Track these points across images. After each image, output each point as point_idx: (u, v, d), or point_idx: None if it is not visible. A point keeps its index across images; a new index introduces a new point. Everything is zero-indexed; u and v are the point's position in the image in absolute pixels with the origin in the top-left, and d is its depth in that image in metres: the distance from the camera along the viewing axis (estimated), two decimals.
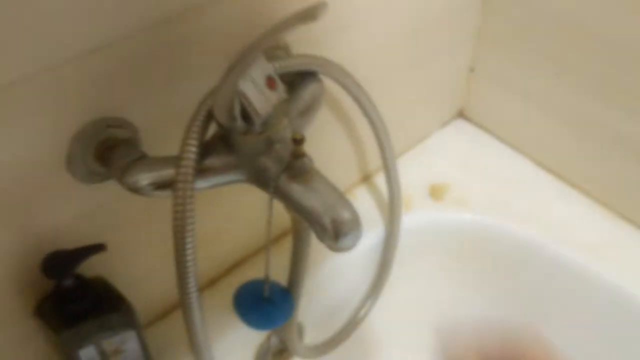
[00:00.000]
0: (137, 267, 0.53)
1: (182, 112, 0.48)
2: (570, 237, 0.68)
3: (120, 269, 0.51)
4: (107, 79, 0.42)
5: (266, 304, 0.48)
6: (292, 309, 0.49)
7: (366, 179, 0.74)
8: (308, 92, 0.47)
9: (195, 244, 0.42)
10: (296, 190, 0.40)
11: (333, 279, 0.68)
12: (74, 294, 0.45)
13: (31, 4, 0.35)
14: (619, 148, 0.66)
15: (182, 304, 0.43)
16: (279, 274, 0.51)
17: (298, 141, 0.38)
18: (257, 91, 0.38)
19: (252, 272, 0.64)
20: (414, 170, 0.74)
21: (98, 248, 0.44)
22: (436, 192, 0.72)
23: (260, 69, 0.39)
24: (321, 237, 0.40)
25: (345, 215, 0.39)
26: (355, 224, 0.39)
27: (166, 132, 0.47)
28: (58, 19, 0.37)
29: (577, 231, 0.69)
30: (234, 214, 0.60)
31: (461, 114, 0.82)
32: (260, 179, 0.42)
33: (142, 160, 0.42)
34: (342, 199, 0.39)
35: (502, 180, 0.74)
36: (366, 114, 0.55)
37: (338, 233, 0.39)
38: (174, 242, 0.42)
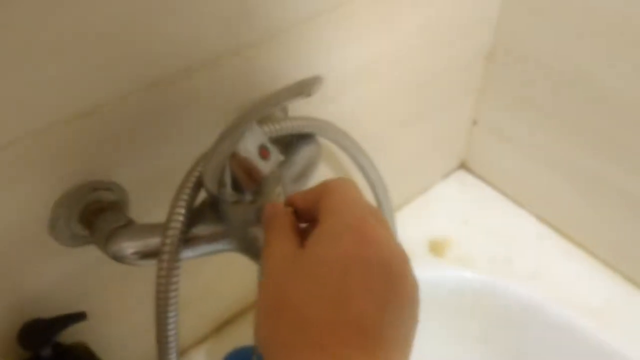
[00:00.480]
0: (118, 331, 0.51)
1: (172, 174, 0.46)
2: (572, 298, 0.66)
3: (101, 334, 0.48)
4: (94, 142, 0.41)
5: None
6: None
7: None
8: (304, 156, 0.45)
9: (177, 315, 0.40)
10: None
11: None
12: None
13: (16, 70, 0.34)
14: (623, 206, 0.64)
15: None
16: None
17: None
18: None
19: (241, 331, 0.61)
20: (414, 225, 0.72)
21: (78, 317, 0.42)
22: (436, 248, 0.70)
23: (254, 138, 0.37)
24: None
25: None
26: None
27: (156, 194, 0.45)
28: (44, 84, 0.36)
29: (580, 291, 0.67)
30: (224, 271, 0.58)
31: (463, 166, 0.80)
32: (250, 248, 0.40)
33: (127, 227, 0.40)
34: None
35: (504, 236, 0.72)
36: (365, 175, 0.54)
37: None
38: (155, 313, 0.40)
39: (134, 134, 0.42)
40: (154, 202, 0.46)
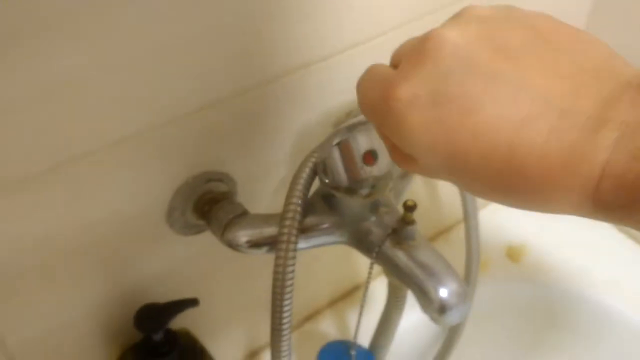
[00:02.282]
0: (218, 317, 0.52)
1: (276, 167, 0.48)
2: None
3: (203, 320, 0.50)
4: (209, 136, 0.42)
5: None
6: None
7: (438, 235, 0.72)
8: None
9: (292, 304, 0.41)
10: (402, 257, 0.38)
11: (402, 338, 0.65)
12: (162, 348, 0.44)
13: (142, 68, 0.36)
14: None
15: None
16: (347, 332, 0.49)
17: (410, 208, 0.37)
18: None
19: (322, 327, 0.62)
20: (491, 229, 0.72)
21: (191, 303, 0.43)
22: (513, 254, 0.69)
23: (366, 137, 0.38)
24: (425, 308, 0.38)
25: (454, 286, 0.37)
26: (462, 298, 0.38)
27: (262, 185, 0.47)
28: (174, 77, 0.38)
29: None
30: (311, 266, 0.59)
31: None
32: (362, 242, 0.41)
33: (243, 217, 0.42)
34: (449, 270, 0.38)
35: (581, 244, 0.72)
36: None
37: (444, 306, 0.37)
38: (272, 301, 0.41)
39: (246, 128, 0.44)
40: (259, 194, 0.47)
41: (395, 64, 0.27)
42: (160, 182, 0.41)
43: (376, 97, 0.26)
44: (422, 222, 0.69)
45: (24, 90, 0.32)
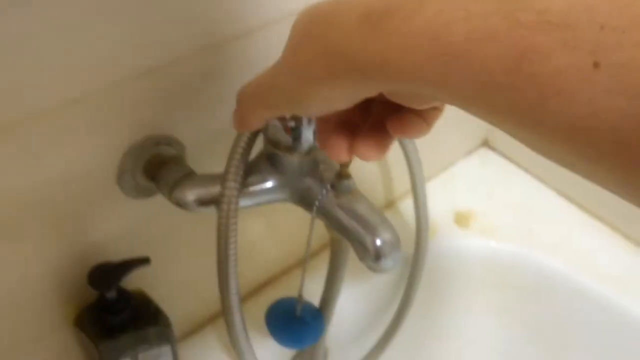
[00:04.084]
0: (174, 280, 0.54)
1: (223, 133, 0.49)
2: (593, 269, 0.69)
3: (158, 282, 0.52)
4: (158, 100, 0.44)
5: (297, 323, 0.49)
6: (322, 330, 0.50)
7: (390, 204, 0.75)
8: None
9: (237, 258, 0.44)
10: (339, 211, 0.41)
11: (358, 302, 0.68)
12: (115, 306, 0.46)
13: (93, 25, 0.37)
14: None
15: (225, 313, 0.45)
16: (309, 293, 0.52)
17: (345, 163, 0.39)
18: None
19: (283, 291, 0.64)
20: (439, 197, 0.75)
21: (143, 261, 0.45)
22: (461, 220, 0.73)
23: None
24: (362, 257, 0.41)
25: (387, 236, 0.40)
26: (396, 246, 0.40)
27: (211, 149, 0.49)
28: (119, 40, 0.39)
29: (600, 262, 0.70)
30: (269, 230, 0.61)
31: (485, 143, 0.83)
32: (303, 198, 0.43)
33: (189, 177, 0.44)
34: (384, 220, 0.41)
35: (526, 209, 0.75)
36: (402, 145, 0.57)
37: (379, 254, 0.40)
38: (217, 256, 0.43)
39: (194, 92, 0.46)
40: (208, 158, 0.49)
41: None
42: (109, 143, 0.43)
43: None
44: (372, 193, 0.72)
45: None
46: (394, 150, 0.59)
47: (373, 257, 0.40)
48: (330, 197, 0.41)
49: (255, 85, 0.32)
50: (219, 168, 0.50)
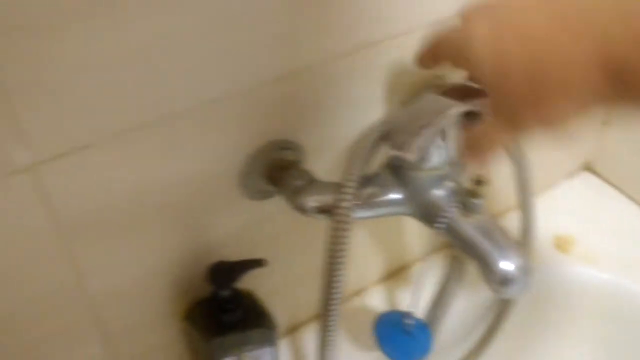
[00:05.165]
0: (276, 281, 0.55)
1: (344, 139, 0.50)
2: None
3: (260, 282, 0.52)
4: (285, 106, 0.44)
5: (407, 337, 0.48)
6: (430, 345, 0.49)
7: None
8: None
9: (344, 271, 0.43)
10: (468, 229, 0.40)
11: (450, 316, 0.67)
12: (228, 305, 0.47)
13: (230, 34, 0.38)
14: None
15: (321, 326, 0.45)
16: (400, 306, 0.51)
17: (480, 182, 0.38)
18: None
19: (371, 302, 0.64)
20: (539, 219, 0.72)
21: (259, 263, 0.46)
22: (562, 244, 0.70)
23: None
24: (487, 280, 0.39)
25: (518, 262, 0.39)
26: (525, 274, 0.39)
27: (330, 157, 0.49)
28: (252, 47, 0.40)
29: None
30: (366, 239, 0.61)
31: (587, 167, 0.80)
32: (427, 214, 0.42)
33: (312, 183, 0.44)
34: (515, 245, 0.39)
35: (630, 237, 0.71)
36: (514, 157, 0.55)
37: (506, 280, 0.39)
38: (325, 267, 0.43)
39: (319, 100, 0.46)
40: (327, 165, 0.49)
41: None
42: (237, 145, 0.44)
43: None
44: None
45: (119, 49, 0.34)
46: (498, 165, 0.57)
47: (498, 282, 0.39)
48: (459, 215, 0.40)
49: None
50: (336, 176, 0.50)
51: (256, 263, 0.46)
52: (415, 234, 0.64)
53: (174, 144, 0.40)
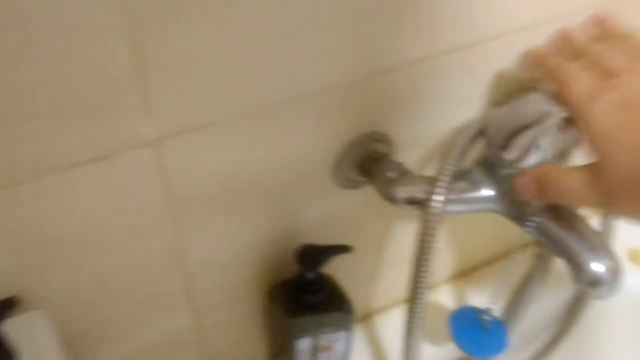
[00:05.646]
0: (357, 268, 0.56)
1: (435, 135, 0.51)
2: None
3: (343, 267, 0.54)
4: (381, 99, 0.46)
5: (482, 333, 0.49)
6: (505, 343, 0.50)
7: None
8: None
9: (432, 264, 0.45)
10: (559, 229, 0.41)
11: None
12: (311, 287, 0.49)
13: (338, 28, 0.40)
14: None
15: (408, 315, 0.46)
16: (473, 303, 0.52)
17: None
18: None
19: (447, 296, 0.65)
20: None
21: (346, 249, 0.48)
22: (635, 257, 0.69)
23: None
24: (577, 280, 0.40)
25: (609, 263, 0.39)
26: (615, 276, 0.39)
27: (419, 151, 0.50)
28: (359, 40, 0.41)
29: None
30: (446, 234, 0.62)
31: None
32: (518, 213, 0.43)
33: (405, 175, 0.45)
34: (606, 247, 0.40)
35: None
36: None
37: (596, 281, 0.39)
38: (414, 259, 0.44)
39: (414, 95, 0.47)
40: (416, 158, 0.51)
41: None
42: (335, 135, 0.46)
43: None
44: None
45: (246, 35, 0.36)
46: None
47: (589, 283, 0.39)
48: (549, 215, 0.41)
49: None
50: (425, 170, 0.51)
51: (343, 249, 0.47)
52: (497, 231, 0.65)
53: (282, 128, 0.42)
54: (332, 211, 0.51)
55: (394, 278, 0.62)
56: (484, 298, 0.53)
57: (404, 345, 0.48)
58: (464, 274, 0.68)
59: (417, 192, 0.45)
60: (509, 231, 0.46)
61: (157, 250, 0.44)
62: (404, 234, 0.58)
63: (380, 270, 0.59)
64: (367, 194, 0.49)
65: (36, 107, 0.32)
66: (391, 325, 0.64)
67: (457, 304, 0.64)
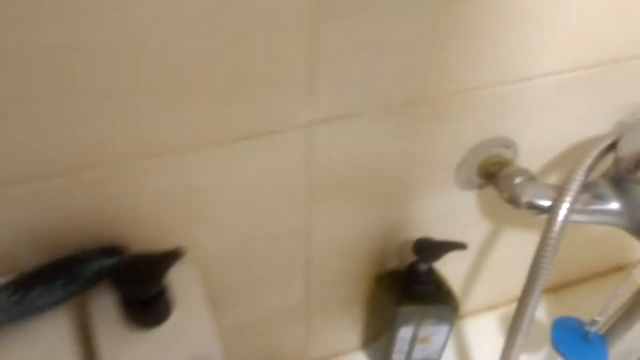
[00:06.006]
0: (462, 268, 0.58)
1: (559, 146, 0.52)
2: None
3: (442, 267, 0.56)
4: (509, 106, 0.47)
5: (584, 344, 0.50)
6: (606, 357, 0.51)
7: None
8: None
9: (550, 269, 0.46)
10: None
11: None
12: (422, 278, 0.51)
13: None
14: None
15: (517, 314, 0.47)
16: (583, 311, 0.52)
17: None
18: None
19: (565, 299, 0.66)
20: None
21: (460, 246, 0.50)
22: None
23: None
24: None
25: None
26: None
27: (539, 160, 0.52)
28: (493, 50, 0.43)
29: None
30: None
31: None
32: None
33: (531, 181, 0.47)
34: None
35: None
36: None
37: None
38: (533, 263, 0.46)
39: (544, 106, 0.48)
40: (537, 166, 0.52)
41: None
42: (461, 138, 0.48)
43: None
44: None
45: (396, 36, 0.39)
46: None
47: None
48: None
49: None
50: (546, 178, 0.53)
51: (458, 246, 0.49)
52: (608, 246, 0.65)
53: (418, 126, 0.45)
54: (442, 210, 0.53)
55: (490, 284, 0.64)
56: (579, 312, 0.54)
57: (505, 349, 0.50)
58: (557, 288, 0.69)
59: (543, 198, 0.46)
60: (615, 249, 0.47)
61: (290, 226, 0.47)
62: (508, 242, 0.59)
63: (477, 274, 0.60)
64: (481, 196, 0.51)
65: (213, 83, 0.36)
66: (481, 330, 0.65)
67: (549, 316, 0.65)
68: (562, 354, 0.50)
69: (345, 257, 0.52)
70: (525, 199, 0.46)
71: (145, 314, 0.37)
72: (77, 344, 0.37)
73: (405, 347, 0.56)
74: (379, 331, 0.58)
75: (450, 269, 0.58)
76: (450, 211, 0.54)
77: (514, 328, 0.48)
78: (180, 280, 0.40)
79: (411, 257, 0.52)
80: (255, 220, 0.45)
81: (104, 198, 0.38)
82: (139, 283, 0.35)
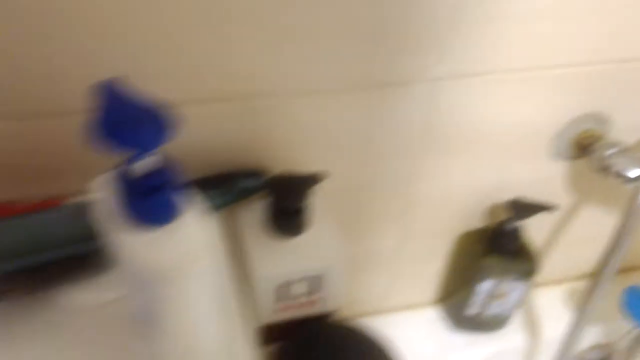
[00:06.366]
0: (542, 235, 0.64)
1: None
2: None
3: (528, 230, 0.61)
4: (611, 84, 0.52)
5: None
6: None
7: None
8: None
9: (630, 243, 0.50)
10: None
11: None
12: (510, 235, 0.57)
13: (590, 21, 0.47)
14: None
15: (593, 283, 0.52)
16: None
17: None
18: None
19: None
20: None
21: (550, 208, 0.55)
22: None
23: None
24: None
25: None
26: None
27: (635, 136, 0.57)
28: (599, 31, 0.48)
29: None
30: None
31: None
32: None
33: (624, 152, 0.52)
34: None
35: None
36: None
37: None
38: (615, 234, 0.51)
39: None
40: (630, 142, 0.56)
41: None
42: (564, 109, 0.53)
43: None
44: None
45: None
46: None
47: None
48: None
49: None
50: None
51: (547, 208, 0.55)
52: None
53: (527, 93, 0.50)
54: (540, 176, 0.58)
55: (561, 258, 0.68)
56: None
57: (577, 318, 0.55)
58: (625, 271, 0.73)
59: (634, 167, 0.51)
60: None
61: (398, 171, 0.53)
62: (586, 218, 0.64)
63: (550, 246, 0.65)
64: (571, 167, 0.56)
65: (366, 32, 0.42)
66: (547, 301, 0.70)
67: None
68: (634, 318, 0.55)
69: (443, 210, 0.58)
70: (617, 167, 0.51)
71: (289, 223, 0.44)
72: (230, 243, 0.44)
73: (482, 302, 0.61)
74: (458, 286, 0.63)
75: (538, 234, 0.63)
76: (539, 179, 0.59)
77: (590, 295, 0.53)
78: (315, 203, 0.47)
79: (499, 218, 0.58)
80: (372, 161, 0.52)
81: (260, 126, 0.45)
82: (292, 193, 0.42)
